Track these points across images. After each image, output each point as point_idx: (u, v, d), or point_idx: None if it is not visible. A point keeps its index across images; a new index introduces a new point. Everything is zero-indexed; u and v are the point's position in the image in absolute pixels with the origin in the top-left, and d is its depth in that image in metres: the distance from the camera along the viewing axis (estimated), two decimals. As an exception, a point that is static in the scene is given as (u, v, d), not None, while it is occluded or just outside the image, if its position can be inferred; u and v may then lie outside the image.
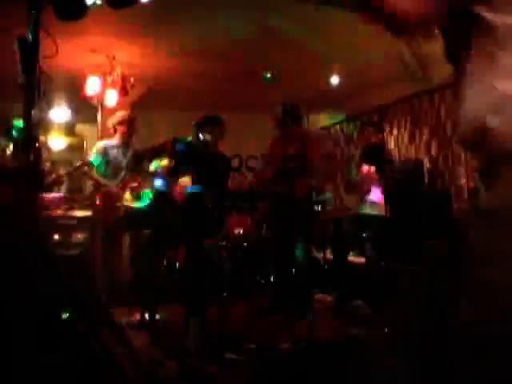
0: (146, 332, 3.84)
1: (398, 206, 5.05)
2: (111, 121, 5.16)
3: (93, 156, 5.03)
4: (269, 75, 5.89)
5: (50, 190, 5.56)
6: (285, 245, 4.55)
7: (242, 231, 4.85)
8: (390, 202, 4.69)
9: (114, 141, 5.11)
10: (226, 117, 4.69)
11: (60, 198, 5.64)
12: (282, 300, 4.46)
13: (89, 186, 6.79)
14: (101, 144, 5.14)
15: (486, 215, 0.88)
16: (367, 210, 4.69)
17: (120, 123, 5.10)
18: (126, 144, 5.12)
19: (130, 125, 5.13)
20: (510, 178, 0.84)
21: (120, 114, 5.17)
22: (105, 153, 5.00)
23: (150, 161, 4.78)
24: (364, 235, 4.78)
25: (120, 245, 5.15)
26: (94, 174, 4.97)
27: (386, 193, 4.71)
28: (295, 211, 4.45)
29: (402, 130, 6.72)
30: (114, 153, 5.04)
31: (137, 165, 5.07)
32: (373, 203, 4.67)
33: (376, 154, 4.75)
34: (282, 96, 5.35)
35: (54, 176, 5.23)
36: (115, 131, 5.12)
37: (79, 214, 5.67)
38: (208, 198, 4.18)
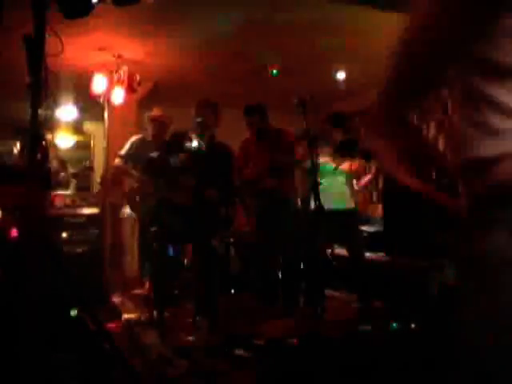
0: (155, 330, 3.85)
1: (404, 203, 5.01)
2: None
3: None
4: (275, 71, 5.87)
5: (57, 189, 5.57)
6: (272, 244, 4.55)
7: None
8: (393, 199, 4.68)
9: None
10: (231, 115, 4.74)
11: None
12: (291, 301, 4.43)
13: (96, 184, 6.81)
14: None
15: None
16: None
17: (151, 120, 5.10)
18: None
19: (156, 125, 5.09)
20: None
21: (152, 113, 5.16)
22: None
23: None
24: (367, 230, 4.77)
25: None
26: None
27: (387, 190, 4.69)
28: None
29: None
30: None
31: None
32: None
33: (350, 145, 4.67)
34: (288, 93, 5.30)
35: (62, 175, 5.20)
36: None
37: (87, 211, 5.70)
38: (210, 194, 4.07)
